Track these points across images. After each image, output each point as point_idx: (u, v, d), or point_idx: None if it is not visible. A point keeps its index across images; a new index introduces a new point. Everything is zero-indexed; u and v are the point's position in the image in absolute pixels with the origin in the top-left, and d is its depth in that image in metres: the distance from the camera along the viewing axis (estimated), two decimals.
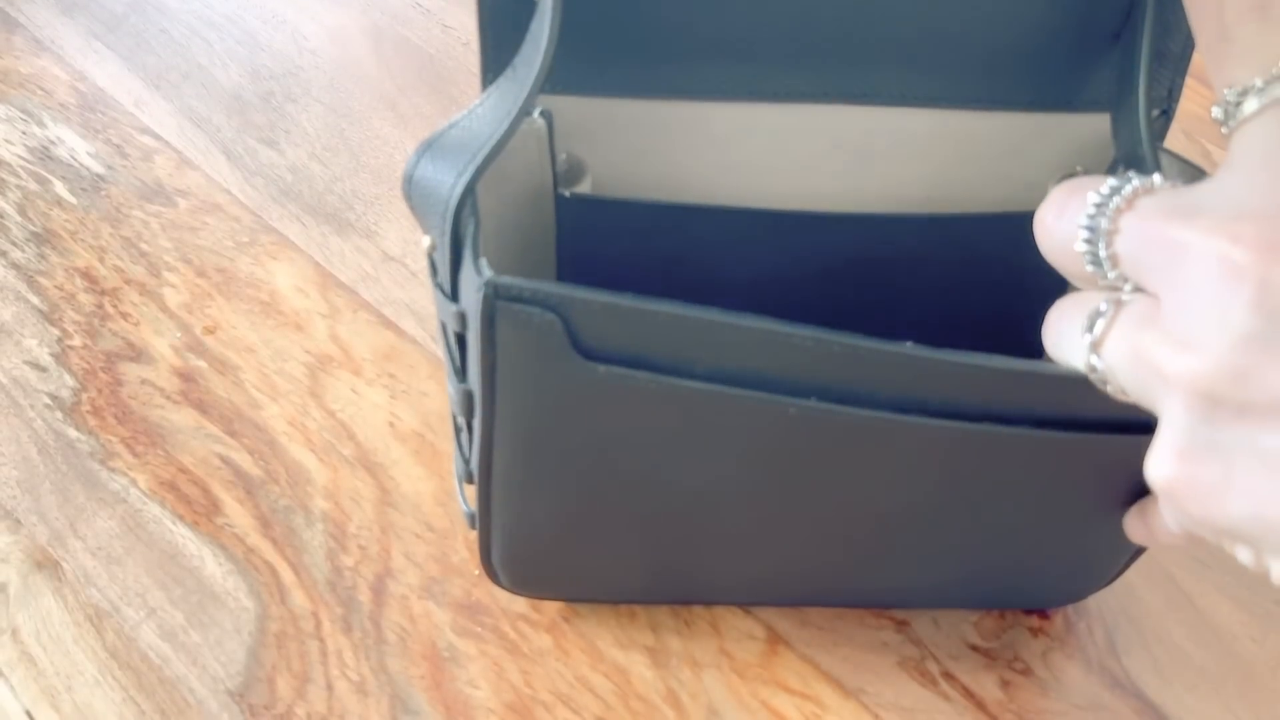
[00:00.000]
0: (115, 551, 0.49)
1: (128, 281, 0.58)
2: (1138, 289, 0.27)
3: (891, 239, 0.44)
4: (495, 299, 0.31)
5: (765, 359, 0.32)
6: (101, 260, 0.58)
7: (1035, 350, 0.32)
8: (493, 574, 0.45)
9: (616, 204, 0.43)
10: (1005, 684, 0.47)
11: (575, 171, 0.43)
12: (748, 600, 0.48)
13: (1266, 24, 0.28)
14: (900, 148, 0.42)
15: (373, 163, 0.64)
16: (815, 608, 0.48)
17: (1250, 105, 0.27)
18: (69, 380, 0.54)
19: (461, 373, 0.37)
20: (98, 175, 0.62)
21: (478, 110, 0.34)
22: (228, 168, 0.63)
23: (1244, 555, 0.28)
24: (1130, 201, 0.27)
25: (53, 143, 0.64)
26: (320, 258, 0.59)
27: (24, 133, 0.64)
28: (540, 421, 0.35)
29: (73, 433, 0.52)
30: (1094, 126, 0.41)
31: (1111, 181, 0.27)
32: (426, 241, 0.34)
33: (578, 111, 0.40)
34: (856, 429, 0.34)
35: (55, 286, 0.57)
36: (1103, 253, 0.27)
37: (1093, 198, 0.27)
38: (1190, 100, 0.58)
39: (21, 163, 0.63)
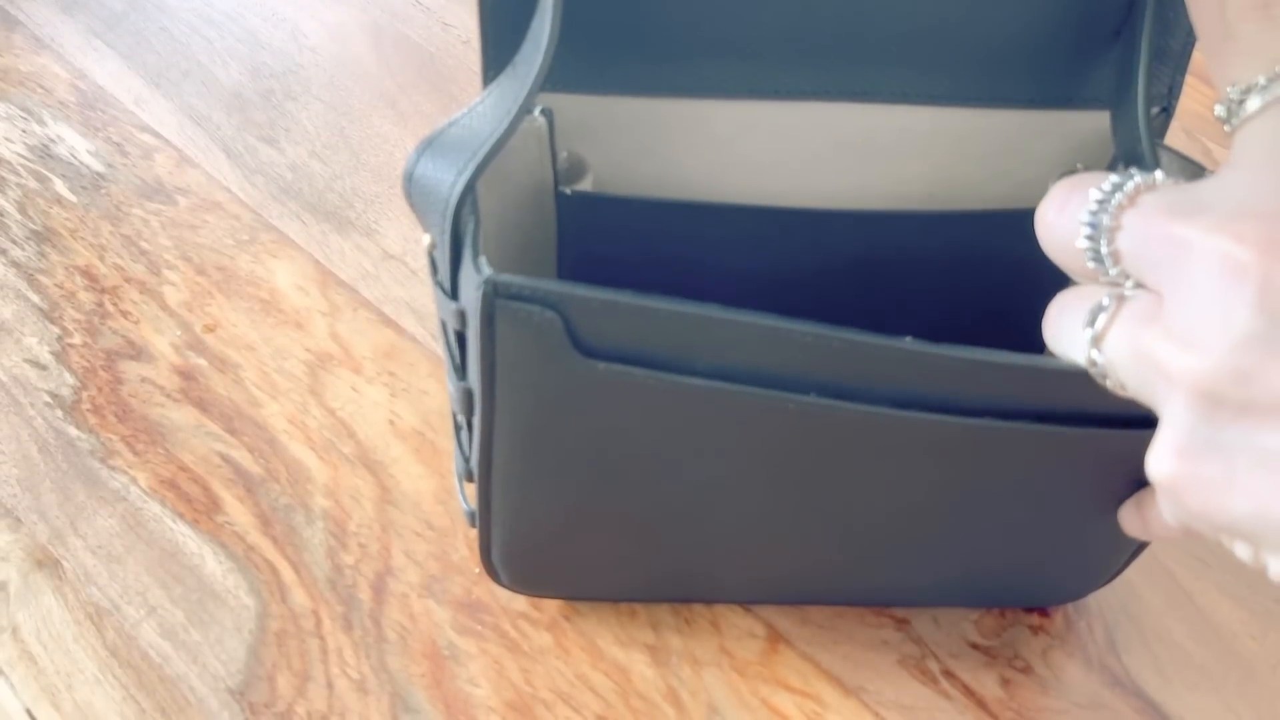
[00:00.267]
0: (115, 550, 0.49)
1: (128, 280, 0.58)
2: (1139, 285, 0.27)
3: (892, 235, 0.44)
4: (495, 297, 0.31)
5: (765, 355, 0.32)
6: (101, 258, 0.58)
7: (1036, 346, 0.32)
8: (493, 572, 0.45)
9: (618, 201, 0.43)
10: (1005, 682, 0.47)
11: (577, 169, 0.43)
12: (748, 598, 0.48)
13: (1269, 22, 0.28)
14: (901, 145, 0.42)
15: (373, 161, 0.63)
16: (815, 606, 0.48)
17: (1253, 103, 0.27)
18: (69, 378, 0.54)
19: (461, 370, 0.37)
20: (98, 173, 0.62)
21: (478, 108, 0.34)
22: (228, 166, 0.63)
23: (1242, 551, 0.28)
24: (1132, 198, 0.27)
25: (53, 141, 0.64)
26: (320, 256, 0.59)
27: (24, 131, 0.64)
28: (540, 419, 0.35)
29: (73, 431, 0.52)
30: (1094, 124, 0.41)
31: (1114, 178, 0.27)
32: (427, 239, 0.34)
33: (579, 109, 0.40)
34: (856, 424, 0.34)
35: (55, 285, 0.57)
36: (1104, 249, 0.27)
37: (1094, 194, 0.27)
38: (1191, 98, 0.58)
39: (21, 161, 0.63)
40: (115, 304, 0.57)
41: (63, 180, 0.62)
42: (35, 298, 0.57)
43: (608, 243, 0.44)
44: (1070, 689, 0.47)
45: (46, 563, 0.48)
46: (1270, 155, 0.26)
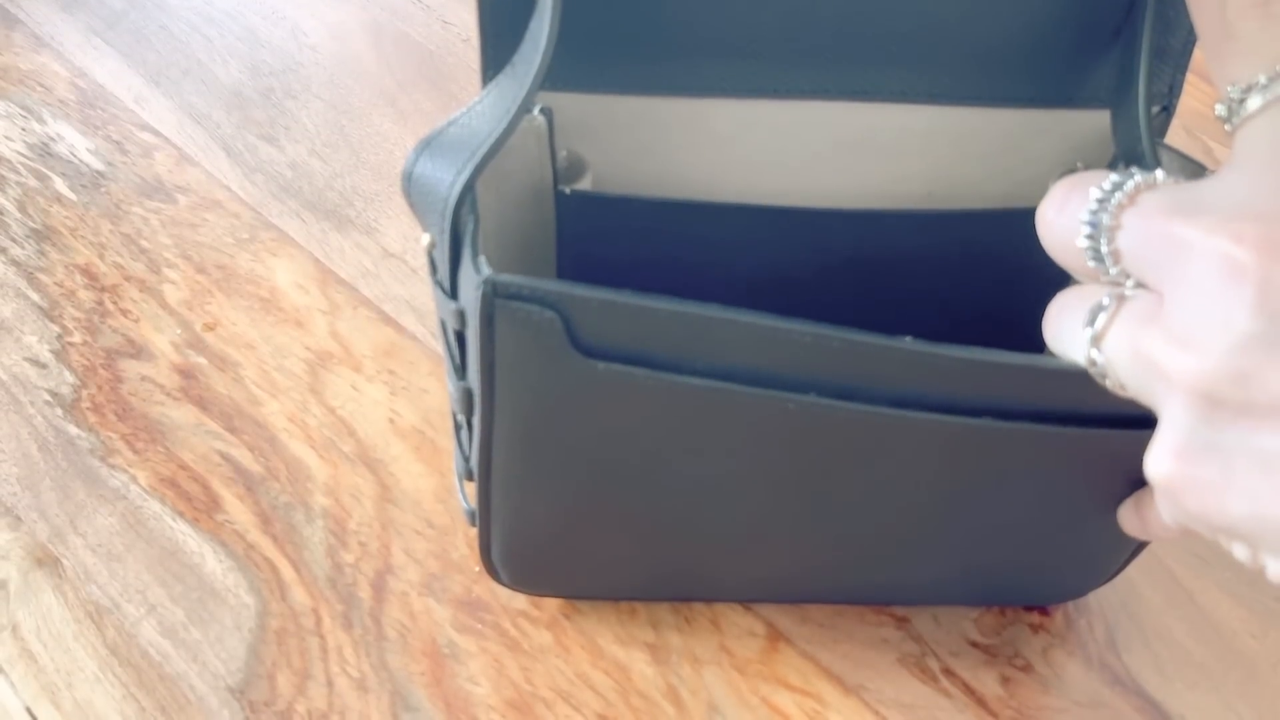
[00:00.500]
0: (115, 548, 0.49)
1: (128, 278, 0.58)
2: (1139, 285, 0.27)
3: (892, 234, 0.44)
4: (494, 297, 0.31)
5: (764, 355, 0.32)
6: (101, 257, 0.58)
7: (1036, 345, 0.32)
8: (493, 571, 0.45)
9: (617, 200, 0.43)
10: (1006, 681, 0.47)
11: (576, 168, 0.43)
12: (748, 597, 0.48)
13: (1269, 20, 0.27)
14: (901, 144, 0.42)
15: (373, 159, 0.63)
16: (815, 604, 0.48)
17: (1254, 103, 0.27)
18: (69, 377, 0.54)
19: (461, 370, 0.37)
20: (97, 172, 0.62)
21: (477, 108, 0.34)
22: (228, 164, 0.63)
23: (1240, 552, 0.28)
24: (1132, 197, 0.27)
25: (52, 139, 0.64)
26: (320, 254, 0.59)
27: (24, 129, 0.64)
28: (540, 419, 0.35)
29: (73, 429, 0.52)
30: (1094, 123, 0.41)
31: (1114, 177, 0.27)
32: (426, 239, 0.34)
33: (578, 108, 0.40)
34: (856, 424, 0.34)
35: (55, 283, 0.57)
36: (1104, 248, 0.27)
37: (1095, 193, 0.27)
38: (1191, 96, 0.58)
39: (21, 159, 0.63)
40: (115, 302, 0.57)
41: (62, 178, 0.62)
42: (35, 296, 0.57)
43: (607, 242, 0.44)
44: (1070, 687, 0.47)
45: (46, 561, 0.48)
46: (1271, 155, 0.26)
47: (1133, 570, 0.47)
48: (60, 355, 0.55)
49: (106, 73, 0.67)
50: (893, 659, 0.47)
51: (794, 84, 0.40)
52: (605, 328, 0.32)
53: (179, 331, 0.56)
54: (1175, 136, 0.41)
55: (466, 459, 0.40)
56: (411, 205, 0.35)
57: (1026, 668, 0.47)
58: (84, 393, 0.53)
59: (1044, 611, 0.49)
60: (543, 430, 0.36)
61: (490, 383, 0.34)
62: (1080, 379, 0.29)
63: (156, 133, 0.64)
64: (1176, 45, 0.38)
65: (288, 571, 0.48)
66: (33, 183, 0.62)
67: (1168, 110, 0.40)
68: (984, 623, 0.48)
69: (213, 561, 0.49)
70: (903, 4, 0.38)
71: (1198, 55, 0.35)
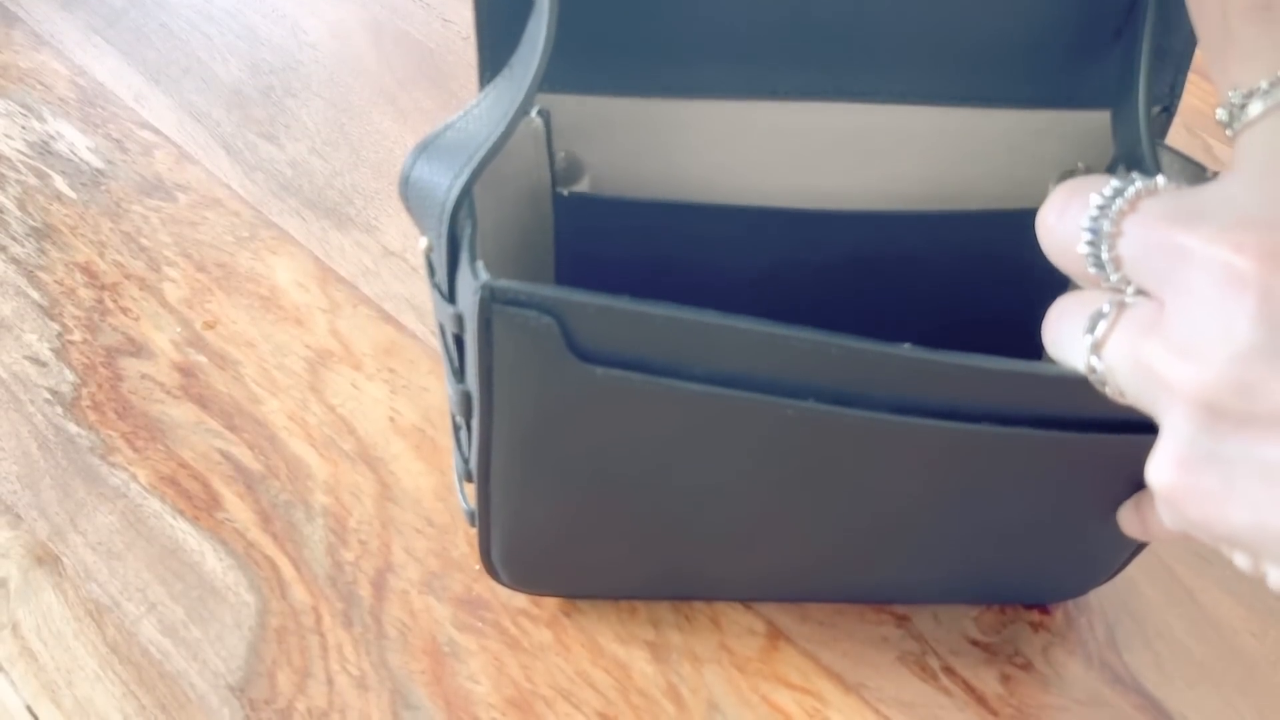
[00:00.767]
0: (115, 546, 0.49)
1: (128, 276, 0.58)
2: (1140, 291, 0.27)
3: (891, 236, 0.44)
4: (491, 302, 0.31)
5: (763, 361, 0.32)
6: (101, 255, 0.58)
7: (1036, 347, 0.32)
8: (493, 571, 0.45)
9: (615, 203, 0.43)
10: (1006, 679, 0.47)
11: (574, 170, 0.42)
12: (748, 596, 0.48)
13: (1271, 25, 0.27)
14: (900, 145, 0.42)
15: (373, 157, 0.63)
16: (815, 603, 0.48)
17: (1255, 108, 0.27)
18: (69, 375, 0.54)
19: (460, 373, 0.36)
20: (97, 170, 0.62)
21: (474, 111, 0.34)
22: (227, 162, 0.63)
23: (1241, 560, 0.28)
24: (1133, 204, 0.27)
25: (52, 137, 0.64)
26: (320, 253, 0.59)
27: (24, 127, 0.64)
28: (538, 423, 0.35)
29: (73, 428, 0.52)
30: (1095, 123, 0.41)
31: (1114, 183, 0.27)
32: (423, 243, 0.34)
33: (576, 110, 0.40)
34: (855, 430, 0.34)
35: (55, 281, 0.57)
36: (1105, 255, 0.27)
37: (1095, 199, 0.27)
38: (1192, 94, 0.58)
39: (21, 157, 0.62)
40: (115, 301, 0.57)
41: (62, 177, 0.62)
42: (35, 294, 0.57)
43: (605, 244, 0.44)
44: (1070, 686, 0.47)
45: (46, 559, 0.48)
46: (1272, 162, 0.26)
47: (1133, 569, 0.47)
48: (60, 353, 0.55)
49: (106, 71, 0.67)
50: (893, 657, 0.47)
51: (792, 85, 0.40)
52: (603, 333, 0.32)
53: (179, 330, 0.56)
54: (1176, 135, 0.41)
55: (466, 460, 0.40)
56: (409, 209, 0.35)
57: (1027, 666, 0.47)
58: (84, 391, 0.53)
59: (1044, 610, 0.49)
60: (541, 434, 0.36)
61: (489, 387, 0.34)
62: (1079, 385, 0.29)
63: (156, 131, 0.64)
64: (1178, 46, 0.38)
65: (288, 570, 0.48)
66: (33, 181, 0.61)
67: (1169, 111, 0.40)
68: (984, 621, 0.48)
69: (213, 560, 0.49)
70: (902, 5, 0.38)
71: (1199, 55, 0.35)
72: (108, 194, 0.61)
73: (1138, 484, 0.37)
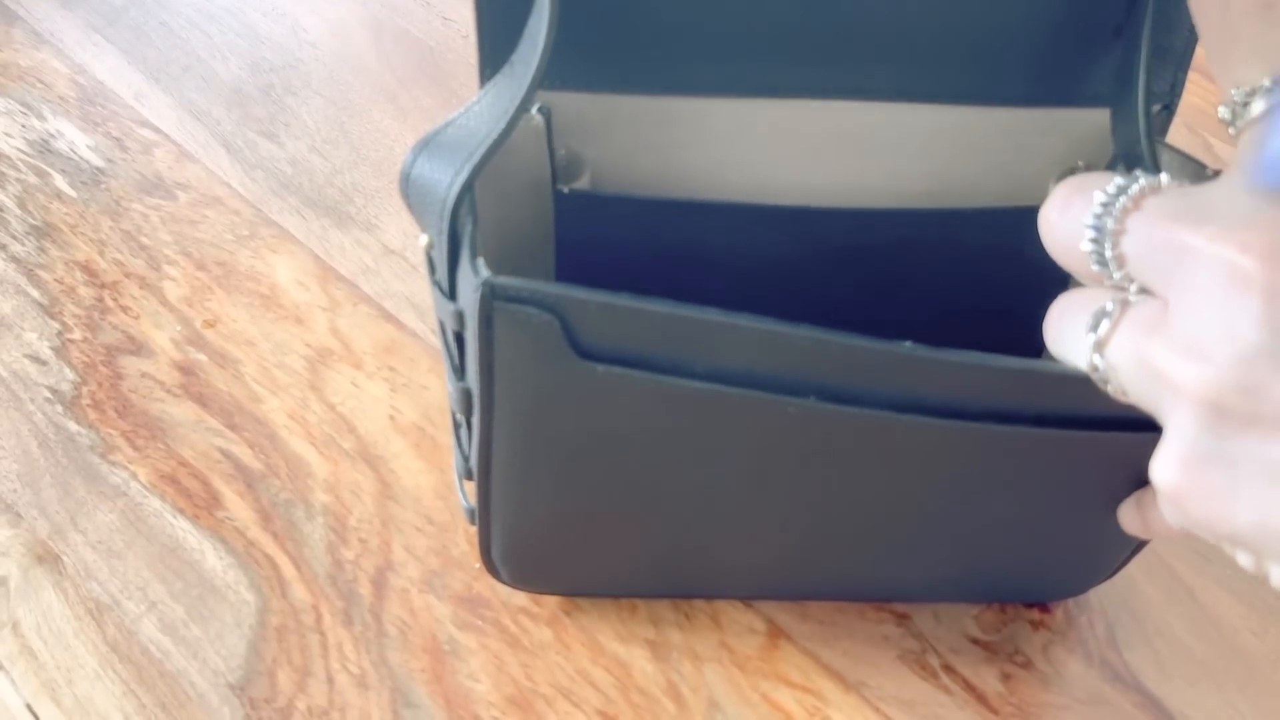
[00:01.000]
0: (116, 545, 0.49)
1: (128, 275, 0.58)
2: (1143, 289, 0.27)
3: (892, 233, 0.44)
4: (492, 299, 0.31)
5: (764, 358, 0.32)
6: (101, 254, 0.58)
7: (1037, 344, 0.32)
8: (493, 570, 0.45)
9: (615, 200, 0.43)
10: (1006, 677, 0.47)
11: (574, 167, 0.42)
12: (748, 594, 0.48)
13: (1273, 23, 0.27)
14: (900, 143, 0.42)
15: (373, 156, 0.63)
16: (816, 601, 0.48)
17: (1258, 106, 0.27)
18: (69, 374, 0.54)
19: (460, 371, 0.36)
20: (97, 168, 0.62)
21: (475, 108, 0.34)
22: (228, 161, 0.63)
23: (1244, 560, 0.28)
24: (1137, 201, 0.27)
25: (52, 136, 0.63)
26: (320, 251, 0.59)
27: (24, 126, 0.64)
28: (539, 421, 0.35)
29: (73, 426, 0.52)
30: (1095, 121, 0.41)
31: (1118, 180, 0.27)
32: (424, 240, 0.34)
33: (576, 107, 0.40)
34: (856, 427, 0.34)
35: (55, 280, 0.57)
36: (1108, 253, 0.27)
37: (1099, 196, 0.27)
38: (1192, 92, 0.58)
39: (21, 156, 0.62)
40: (115, 299, 0.57)
41: (62, 175, 0.62)
42: (35, 293, 0.57)
43: (606, 240, 0.44)
44: (1071, 684, 0.47)
45: (47, 558, 0.48)
46: None
47: (1133, 567, 0.47)
48: (60, 352, 0.55)
49: (106, 69, 0.67)
50: (893, 656, 0.47)
51: (793, 83, 0.40)
52: (604, 330, 0.32)
53: (179, 328, 0.56)
54: (1176, 133, 0.41)
55: (466, 458, 0.40)
56: (409, 206, 0.35)
57: (1027, 664, 0.47)
58: (84, 389, 0.53)
59: (1044, 608, 0.49)
60: (542, 431, 0.36)
61: (489, 384, 0.34)
62: (1081, 384, 0.29)
63: (156, 129, 0.64)
64: (1178, 45, 0.38)
65: (288, 568, 0.48)
66: (33, 179, 0.61)
67: (1169, 109, 0.40)
68: (984, 619, 0.48)
69: (213, 558, 0.49)
70: (903, 3, 0.38)
71: (1199, 53, 0.35)
72: (108, 192, 0.61)
73: (1139, 481, 0.37)
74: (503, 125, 0.32)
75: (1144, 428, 0.28)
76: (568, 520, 0.40)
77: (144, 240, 0.59)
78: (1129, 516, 0.38)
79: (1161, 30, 0.37)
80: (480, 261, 0.31)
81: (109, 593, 0.48)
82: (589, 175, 0.43)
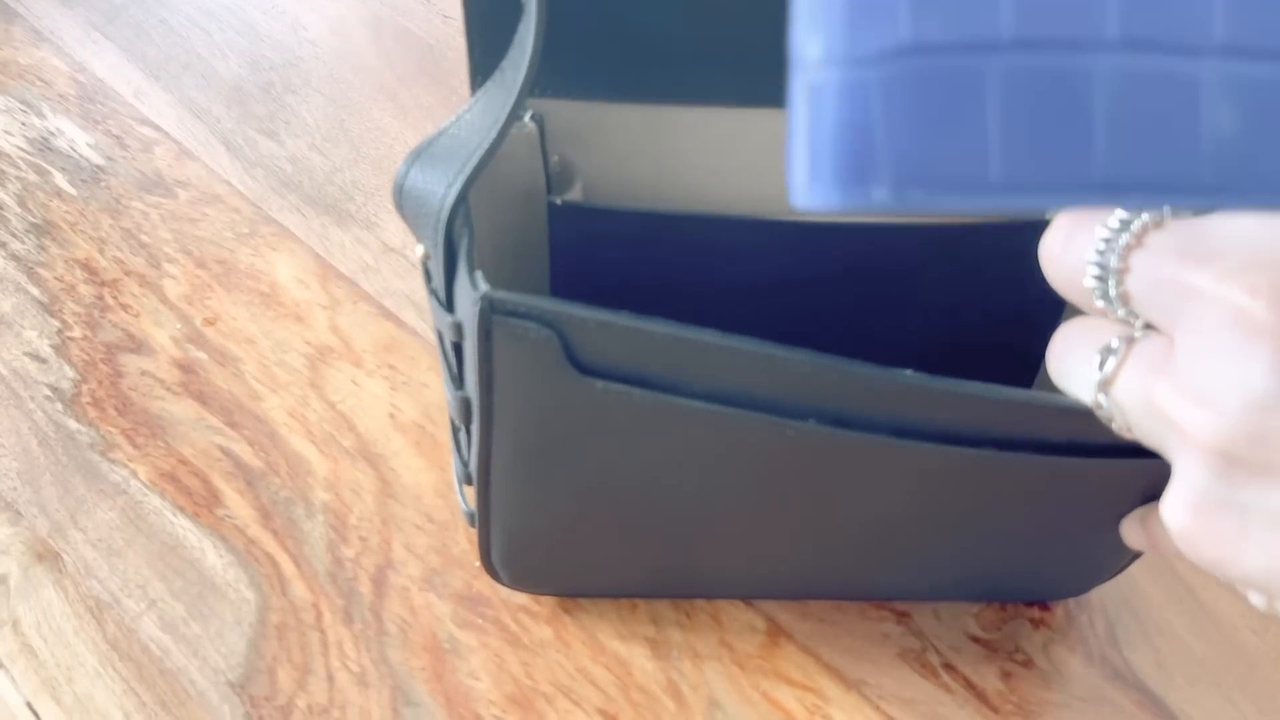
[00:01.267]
0: (116, 543, 0.49)
1: (128, 273, 0.58)
2: (1149, 325, 0.27)
3: (889, 248, 0.44)
4: (491, 313, 0.31)
5: (762, 381, 0.32)
6: (101, 251, 0.58)
7: (1035, 359, 0.32)
8: (493, 572, 0.45)
9: (609, 212, 0.43)
10: (1006, 675, 0.47)
11: (566, 176, 0.42)
12: (748, 595, 0.48)
13: None
14: None
15: (373, 154, 0.63)
16: (816, 600, 0.48)
17: None
18: (69, 372, 0.54)
19: (458, 380, 0.36)
20: (97, 166, 0.62)
21: (466, 116, 0.34)
22: (227, 159, 0.63)
23: (1256, 599, 0.28)
24: (1140, 238, 0.26)
25: (52, 134, 0.63)
26: (320, 249, 0.59)
27: (23, 124, 0.64)
28: (539, 433, 0.35)
29: (73, 424, 0.52)
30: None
31: (1120, 214, 0.26)
32: (420, 250, 0.34)
33: (569, 115, 0.40)
34: (855, 451, 0.34)
35: (55, 278, 0.57)
36: (1112, 291, 0.26)
37: (1101, 232, 0.26)
38: None
39: (21, 154, 0.62)
40: (115, 297, 0.57)
41: (62, 173, 0.62)
42: (35, 291, 0.57)
43: (600, 251, 0.44)
44: (1071, 682, 0.47)
45: (47, 556, 0.48)
46: None
47: (1134, 566, 0.47)
48: (60, 350, 0.55)
49: (106, 67, 0.67)
50: (893, 654, 0.47)
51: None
52: (602, 347, 0.31)
53: (179, 326, 0.56)
54: None
55: (465, 464, 0.40)
56: (404, 217, 0.35)
57: (1027, 663, 0.47)
58: (84, 387, 0.53)
59: (1045, 607, 0.49)
60: (542, 443, 0.35)
61: (489, 396, 0.34)
62: (1084, 416, 0.29)
63: (156, 127, 0.64)
64: None
65: (288, 566, 0.48)
66: (32, 177, 0.61)
67: None
68: (984, 618, 0.48)
69: (213, 556, 0.49)
70: None
71: None
72: (108, 190, 0.61)
73: (1141, 500, 0.37)
74: (494, 134, 0.32)
75: (1147, 454, 0.28)
76: (567, 527, 0.40)
77: (144, 238, 0.59)
78: (1133, 532, 0.37)
79: None
80: (479, 275, 0.31)
81: (109, 590, 0.48)
82: (581, 184, 0.43)
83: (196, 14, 0.70)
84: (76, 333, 0.55)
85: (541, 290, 0.45)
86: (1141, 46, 0.18)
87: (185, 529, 0.49)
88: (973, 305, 0.45)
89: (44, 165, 0.62)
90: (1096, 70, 0.18)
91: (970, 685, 0.46)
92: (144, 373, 0.54)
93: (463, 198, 0.32)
